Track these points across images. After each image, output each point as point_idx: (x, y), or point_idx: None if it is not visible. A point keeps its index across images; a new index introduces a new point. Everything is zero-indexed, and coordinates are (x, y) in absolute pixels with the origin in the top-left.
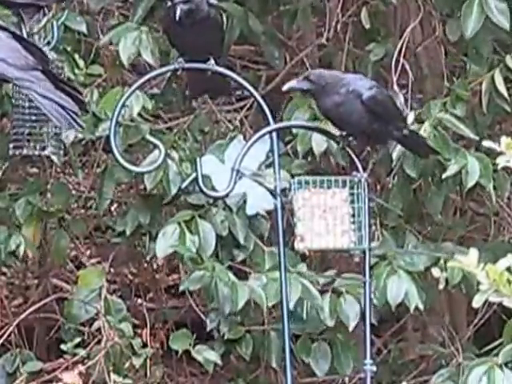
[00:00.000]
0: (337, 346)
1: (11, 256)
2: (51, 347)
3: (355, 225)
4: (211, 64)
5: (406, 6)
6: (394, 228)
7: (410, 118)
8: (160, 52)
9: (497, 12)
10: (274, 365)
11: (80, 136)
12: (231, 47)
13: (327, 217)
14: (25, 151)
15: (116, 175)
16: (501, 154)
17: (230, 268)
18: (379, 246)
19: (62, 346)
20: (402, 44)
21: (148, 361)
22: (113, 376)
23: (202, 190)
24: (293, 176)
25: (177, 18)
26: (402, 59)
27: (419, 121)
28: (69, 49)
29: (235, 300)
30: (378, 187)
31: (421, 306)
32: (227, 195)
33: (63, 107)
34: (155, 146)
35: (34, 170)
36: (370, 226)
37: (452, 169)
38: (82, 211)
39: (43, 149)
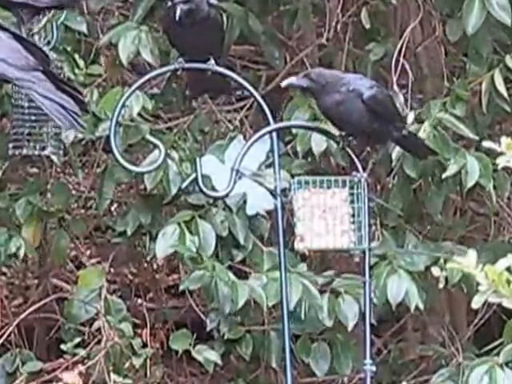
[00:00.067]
0: (337, 346)
1: (11, 257)
2: (51, 347)
3: (355, 225)
4: (211, 64)
5: (406, 6)
6: (394, 228)
7: (410, 117)
8: (160, 52)
9: (498, 8)
10: (273, 365)
11: (80, 136)
12: (231, 47)
13: (327, 217)
14: (25, 151)
15: (116, 175)
16: (501, 154)
17: (229, 268)
18: (379, 246)
19: (62, 346)
20: (402, 44)
21: (148, 361)
22: (113, 376)
23: (201, 190)
24: (293, 176)
25: (177, 18)
26: (401, 59)
27: (419, 121)
28: (69, 49)
29: (235, 299)
30: (378, 187)
31: (421, 306)
32: (227, 195)
33: (64, 107)
34: (155, 146)
35: (34, 170)
36: (369, 226)
37: (452, 169)
38: (82, 211)
39: (43, 149)
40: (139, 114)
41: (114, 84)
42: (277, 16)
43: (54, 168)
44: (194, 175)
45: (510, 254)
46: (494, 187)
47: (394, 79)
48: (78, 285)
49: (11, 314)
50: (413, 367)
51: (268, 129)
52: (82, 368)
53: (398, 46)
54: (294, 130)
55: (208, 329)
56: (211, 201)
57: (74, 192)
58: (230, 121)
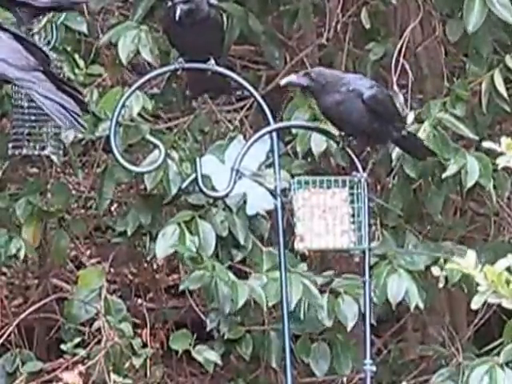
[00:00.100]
0: (336, 347)
1: (11, 258)
2: (51, 347)
3: (355, 225)
4: (211, 64)
5: (406, 6)
6: (394, 228)
7: (410, 117)
8: (160, 52)
9: (499, 6)
10: (273, 365)
11: (80, 136)
12: (231, 47)
13: (327, 217)
14: (24, 151)
15: (116, 175)
16: (501, 154)
17: (229, 268)
18: (379, 246)
19: (62, 346)
20: (402, 44)
21: (148, 361)
22: (113, 376)
23: (201, 190)
24: (293, 176)
25: (177, 18)
26: (401, 59)
27: (419, 121)
28: (69, 49)
29: (235, 299)
30: (378, 187)
31: (421, 305)
32: (227, 195)
33: (64, 107)
34: (155, 146)
35: (34, 170)
36: (369, 226)
37: (452, 169)
38: (82, 211)
39: (43, 149)
40: (139, 114)
41: (114, 84)
42: (277, 16)
43: (53, 168)
44: (193, 175)
45: (510, 254)
46: (494, 187)
47: (394, 79)
48: (78, 285)
49: (11, 314)
50: (413, 367)
51: (268, 129)
52: (82, 368)
53: (398, 46)
54: (293, 130)
55: (208, 329)
56: (211, 201)
57: (74, 192)
58: (230, 121)
